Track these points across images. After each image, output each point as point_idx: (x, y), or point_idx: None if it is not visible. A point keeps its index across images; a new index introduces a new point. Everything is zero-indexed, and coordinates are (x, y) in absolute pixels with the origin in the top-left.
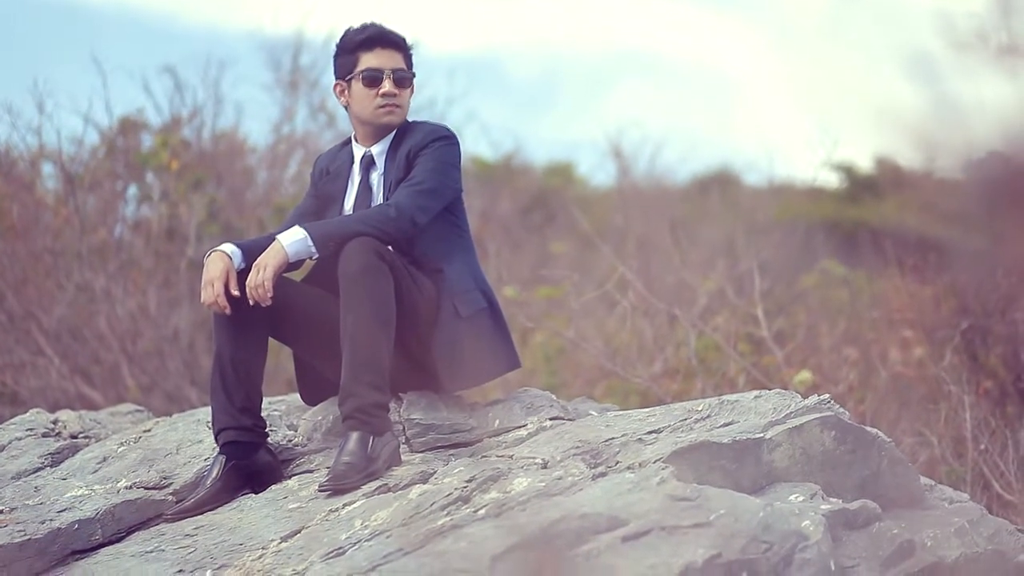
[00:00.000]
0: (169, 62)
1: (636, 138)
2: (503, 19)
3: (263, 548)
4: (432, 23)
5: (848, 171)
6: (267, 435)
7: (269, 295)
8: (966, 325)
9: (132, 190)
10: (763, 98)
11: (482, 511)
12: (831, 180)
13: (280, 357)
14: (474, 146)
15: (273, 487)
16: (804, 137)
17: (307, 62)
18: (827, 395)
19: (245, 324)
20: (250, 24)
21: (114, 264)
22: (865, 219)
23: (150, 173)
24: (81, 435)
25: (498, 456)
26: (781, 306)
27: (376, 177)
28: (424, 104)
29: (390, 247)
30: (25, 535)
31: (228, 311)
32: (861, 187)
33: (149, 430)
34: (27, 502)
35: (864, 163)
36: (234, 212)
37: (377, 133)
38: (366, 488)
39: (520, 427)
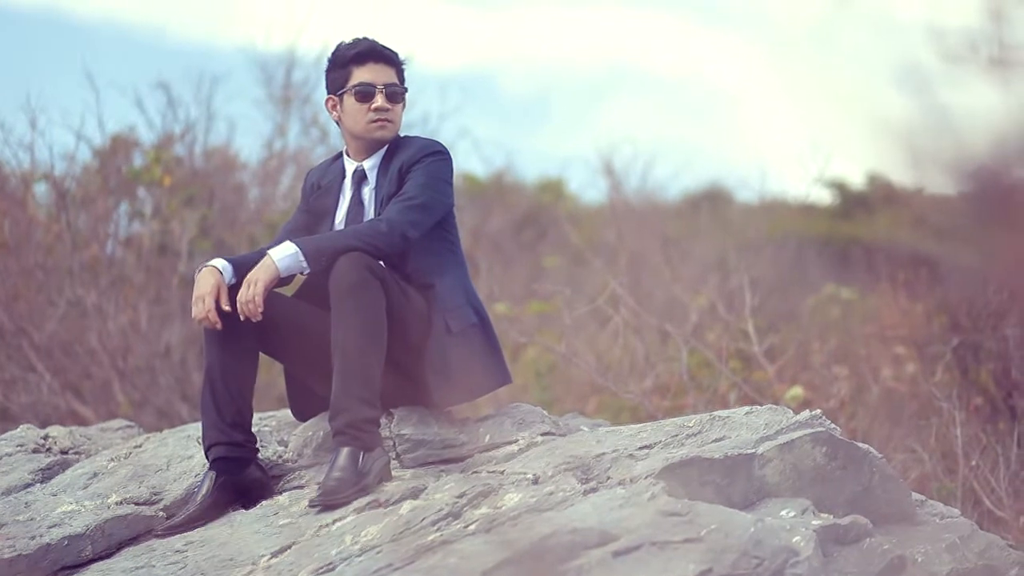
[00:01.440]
0: (161, 78)
1: (627, 154)
2: (495, 36)
3: (253, 564)
4: (424, 40)
5: (840, 187)
6: (257, 450)
7: (260, 310)
8: (957, 341)
9: (124, 206)
10: (755, 113)
11: (473, 526)
12: (823, 197)
13: (271, 373)
14: (466, 163)
15: (263, 503)
16: (796, 153)
17: (299, 78)
18: (818, 411)
19: (236, 339)
20: (242, 40)
21: (105, 280)
22: (857, 235)
23: (142, 189)
24: (71, 451)
25: (489, 472)
26: (772, 322)
27: (368, 192)
28: (417, 120)
29: (381, 262)
30: (15, 551)
31: (219, 326)
32: (853, 203)
33: (139, 446)
34: (17, 518)
35: (856, 179)
36: (226, 228)
37: (369, 148)
38: (356, 504)
39: (511, 442)
